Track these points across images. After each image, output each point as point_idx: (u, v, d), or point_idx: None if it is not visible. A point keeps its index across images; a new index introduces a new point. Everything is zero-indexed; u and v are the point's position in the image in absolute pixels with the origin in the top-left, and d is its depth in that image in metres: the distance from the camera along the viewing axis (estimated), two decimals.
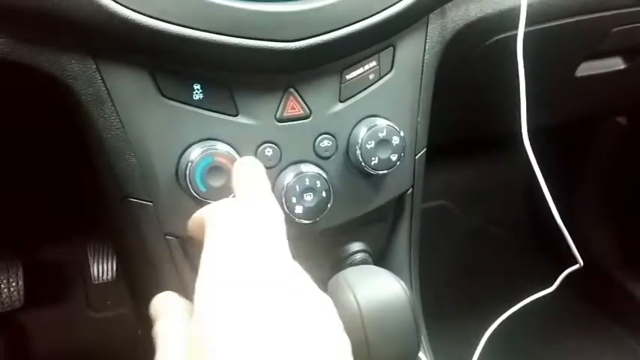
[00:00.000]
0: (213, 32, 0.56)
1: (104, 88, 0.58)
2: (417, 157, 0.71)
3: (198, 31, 0.55)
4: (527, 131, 0.73)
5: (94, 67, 0.57)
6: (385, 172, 0.64)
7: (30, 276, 1.09)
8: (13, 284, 1.05)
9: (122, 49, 0.57)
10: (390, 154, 0.64)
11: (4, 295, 1.05)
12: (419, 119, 0.69)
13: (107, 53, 0.57)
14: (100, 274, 1.13)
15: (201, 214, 0.47)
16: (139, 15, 0.54)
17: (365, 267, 0.56)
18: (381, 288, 0.51)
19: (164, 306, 0.45)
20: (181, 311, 0.45)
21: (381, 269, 0.56)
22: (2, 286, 1.05)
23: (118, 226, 0.67)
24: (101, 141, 0.60)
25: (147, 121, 0.59)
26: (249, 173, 0.50)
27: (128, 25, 0.54)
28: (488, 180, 1.48)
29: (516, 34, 0.71)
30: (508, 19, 0.74)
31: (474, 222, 1.48)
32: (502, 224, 1.50)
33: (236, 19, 0.56)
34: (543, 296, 0.87)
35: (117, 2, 0.53)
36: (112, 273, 1.13)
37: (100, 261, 1.14)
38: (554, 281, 0.88)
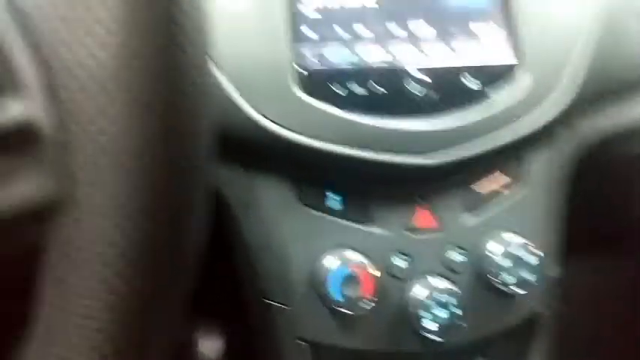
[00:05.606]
0: (354, 147, 0.58)
1: (251, 194, 0.62)
2: (552, 276, 0.68)
3: (340, 146, 0.58)
4: None
5: (244, 174, 0.61)
6: (521, 292, 0.63)
7: None
8: None
9: (269, 159, 0.61)
10: (527, 274, 0.62)
11: None
12: (553, 236, 0.68)
13: (255, 163, 0.61)
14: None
15: None
16: (286, 130, 0.58)
17: None
18: None
19: None
20: None
21: None
22: None
23: (250, 324, 0.69)
24: (244, 243, 0.63)
25: (287, 226, 0.62)
26: None
27: (275, 139, 0.58)
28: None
29: None
30: None
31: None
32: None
33: (376, 135, 0.59)
34: None
35: (267, 118, 0.58)
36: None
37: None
38: None
